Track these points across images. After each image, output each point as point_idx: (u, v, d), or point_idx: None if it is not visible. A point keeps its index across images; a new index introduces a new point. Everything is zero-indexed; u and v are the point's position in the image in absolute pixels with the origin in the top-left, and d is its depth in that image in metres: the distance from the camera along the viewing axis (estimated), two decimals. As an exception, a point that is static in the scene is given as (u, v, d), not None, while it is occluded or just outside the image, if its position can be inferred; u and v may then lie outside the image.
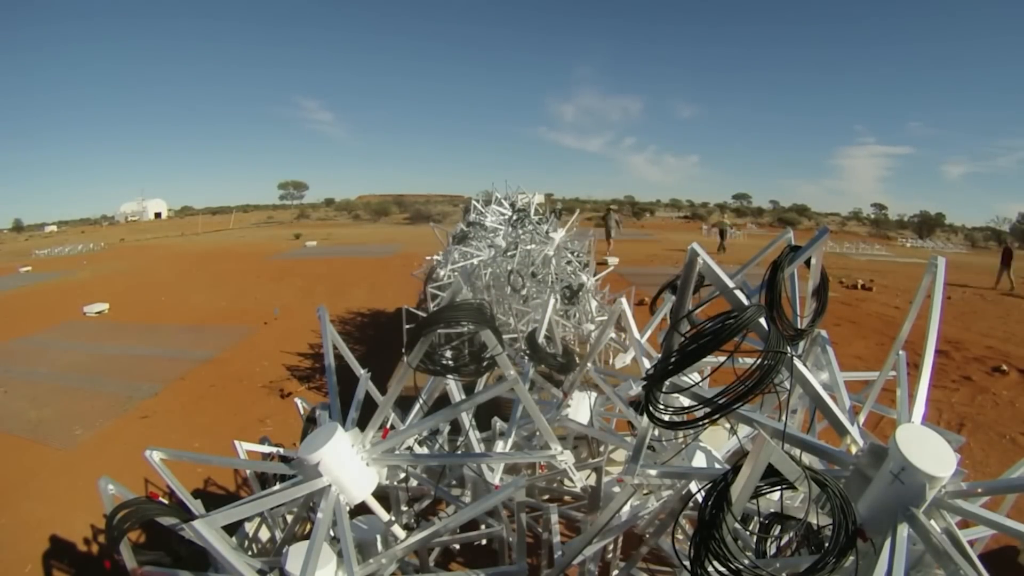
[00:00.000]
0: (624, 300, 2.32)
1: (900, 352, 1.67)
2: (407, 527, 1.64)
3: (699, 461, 1.76)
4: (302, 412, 1.87)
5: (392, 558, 1.32)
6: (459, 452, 2.07)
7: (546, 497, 2.34)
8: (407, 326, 4.12)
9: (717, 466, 1.77)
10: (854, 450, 1.32)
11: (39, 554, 3.19)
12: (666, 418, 1.18)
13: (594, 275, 4.48)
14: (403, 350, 4.17)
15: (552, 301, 2.97)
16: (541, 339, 2.39)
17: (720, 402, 1.11)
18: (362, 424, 1.51)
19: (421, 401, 1.58)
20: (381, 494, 2.26)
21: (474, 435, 2.44)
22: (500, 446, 2.02)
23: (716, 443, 2.10)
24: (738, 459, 1.14)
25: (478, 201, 4.95)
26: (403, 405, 2.19)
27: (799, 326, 1.63)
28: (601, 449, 2.25)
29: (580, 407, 2.38)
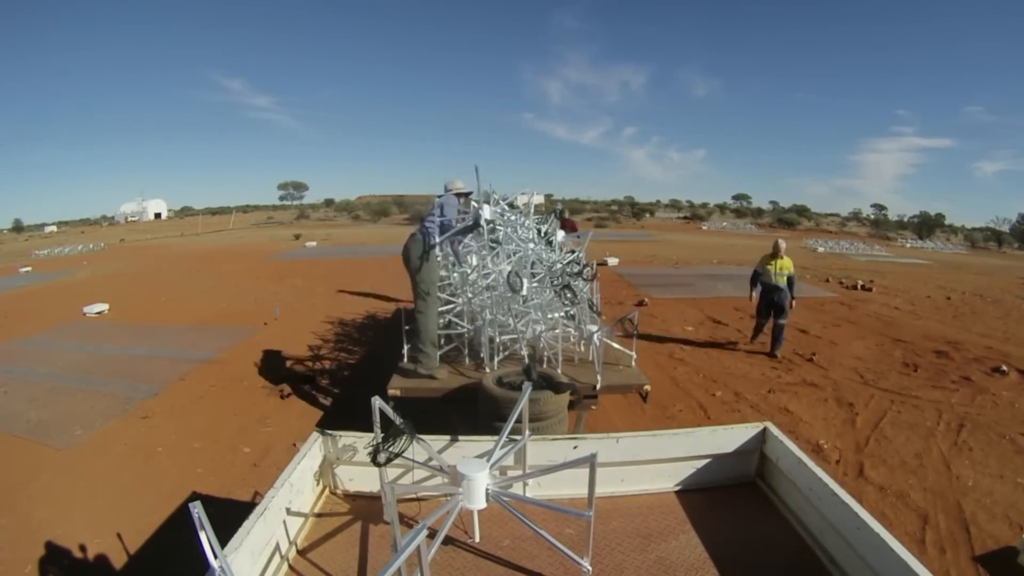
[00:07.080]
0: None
1: None
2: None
3: None
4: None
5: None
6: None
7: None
8: (406, 327, 4.12)
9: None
10: None
11: (39, 555, 3.19)
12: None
13: (594, 275, 4.49)
14: (402, 351, 4.17)
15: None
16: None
17: None
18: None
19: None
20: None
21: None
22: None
23: None
24: None
25: (476, 202, 4.97)
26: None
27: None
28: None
29: None
